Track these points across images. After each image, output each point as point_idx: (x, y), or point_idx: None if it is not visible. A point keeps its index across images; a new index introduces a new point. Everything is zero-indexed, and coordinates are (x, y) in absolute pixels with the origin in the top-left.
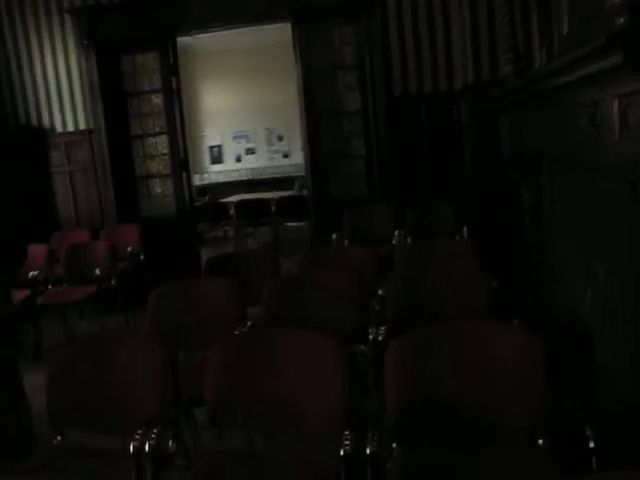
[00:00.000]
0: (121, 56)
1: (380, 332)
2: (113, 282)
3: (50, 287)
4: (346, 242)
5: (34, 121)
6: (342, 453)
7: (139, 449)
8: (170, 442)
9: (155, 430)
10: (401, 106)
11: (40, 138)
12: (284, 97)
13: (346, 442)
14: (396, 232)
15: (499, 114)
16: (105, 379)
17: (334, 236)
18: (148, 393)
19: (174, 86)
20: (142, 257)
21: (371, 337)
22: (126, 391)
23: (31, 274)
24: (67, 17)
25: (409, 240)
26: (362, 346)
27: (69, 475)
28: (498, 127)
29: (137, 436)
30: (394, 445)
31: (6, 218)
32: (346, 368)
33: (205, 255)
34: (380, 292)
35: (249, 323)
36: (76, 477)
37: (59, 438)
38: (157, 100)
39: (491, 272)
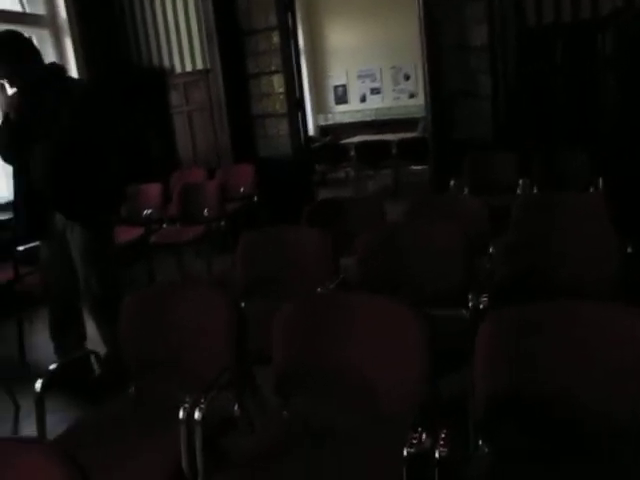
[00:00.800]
0: None
1: (482, 299)
2: (222, 223)
3: (164, 226)
4: (465, 190)
5: (155, 62)
6: (405, 454)
7: (189, 415)
8: (236, 406)
9: (207, 396)
10: (534, 39)
11: (161, 79)
12: (411, 34)
13: (413, 441)
14: (521, 181)
15: None
16: (172, 331)
17: (452, 182)
18: (212, 350)
19: (290, 23)
20: (256, 198)
21: (471, 304)
22: (191, 346)
23: (145, 212)
24: None
25: (535, 191)
26: (463, 311)
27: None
28: None
29: (187, 402)
30: (480, 442)
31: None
32: (428, 347)
33: (323, 197)
34: (491, 250)
35: (341, 276)
36: (126, 434)
37: (133, 389)
38: (275, 38)
39: (625, 233)
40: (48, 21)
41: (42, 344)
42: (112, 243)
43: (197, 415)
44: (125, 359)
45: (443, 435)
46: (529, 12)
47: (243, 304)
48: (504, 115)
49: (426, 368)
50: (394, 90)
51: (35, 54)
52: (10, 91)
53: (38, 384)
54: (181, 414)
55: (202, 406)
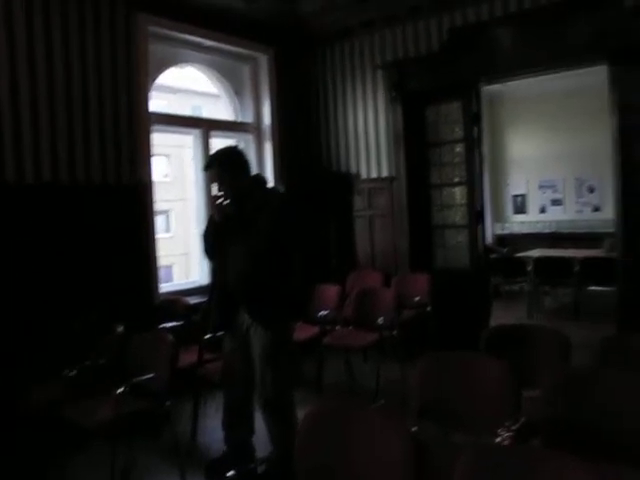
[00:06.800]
0: (425, 107)
1: None
2: (395, 333)
3: (337, 327)
4: None
5: (343, 167)
6: None
7: None
8: None
9: None
10: None
11: (346, 183)
12: (597, 144)
13: None
14: None
15: None
16: (348, 454)
17: None
18: None
19: (475, 135)
20: (429, 308)
21: None
22: (364, 476)
23: (321, 314)
24: (379, 72)
25: None
26: None
27: None
28: None
29: None
30: None
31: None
32: None
33: (496, 312)
34: None
35: (522, 419)
36: None
37: None
38: (458, 150)
39: None
40: (254, 127)
41: (212, 429)
42: (291, 348)
43: None
44: (297, 468)
45: None
46: None
47: (416, 427)
48: None
49: None
50: (577, 202)
51: (248, 167)
52: (214, 191)
53: None
54: None
55: None
